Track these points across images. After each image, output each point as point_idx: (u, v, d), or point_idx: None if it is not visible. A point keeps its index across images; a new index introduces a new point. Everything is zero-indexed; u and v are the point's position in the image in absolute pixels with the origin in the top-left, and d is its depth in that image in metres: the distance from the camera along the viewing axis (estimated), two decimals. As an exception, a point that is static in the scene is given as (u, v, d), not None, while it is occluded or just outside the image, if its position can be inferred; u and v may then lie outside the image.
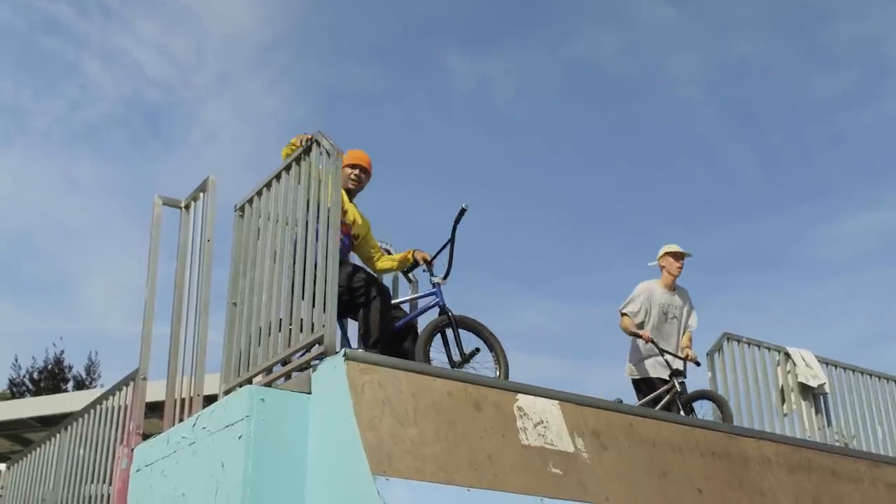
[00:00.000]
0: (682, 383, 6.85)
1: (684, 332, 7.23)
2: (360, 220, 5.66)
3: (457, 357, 5.24)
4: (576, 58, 33.94)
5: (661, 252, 7.27)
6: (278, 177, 4.81)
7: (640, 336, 6.93)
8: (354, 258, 5.75)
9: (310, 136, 4.69)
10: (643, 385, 7.04)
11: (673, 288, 7.24)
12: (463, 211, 5.39)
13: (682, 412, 6.59)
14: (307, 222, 4.51)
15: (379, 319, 5.13)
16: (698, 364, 7.02)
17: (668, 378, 6.88)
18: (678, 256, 7.21)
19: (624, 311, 7.10)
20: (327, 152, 4.51)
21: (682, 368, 6.91)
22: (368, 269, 5.60)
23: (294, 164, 4.74)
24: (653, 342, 6.88)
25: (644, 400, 6.86)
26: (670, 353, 6.95)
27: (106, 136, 39.41)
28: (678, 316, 7.20)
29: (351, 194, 5.61)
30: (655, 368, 7.00)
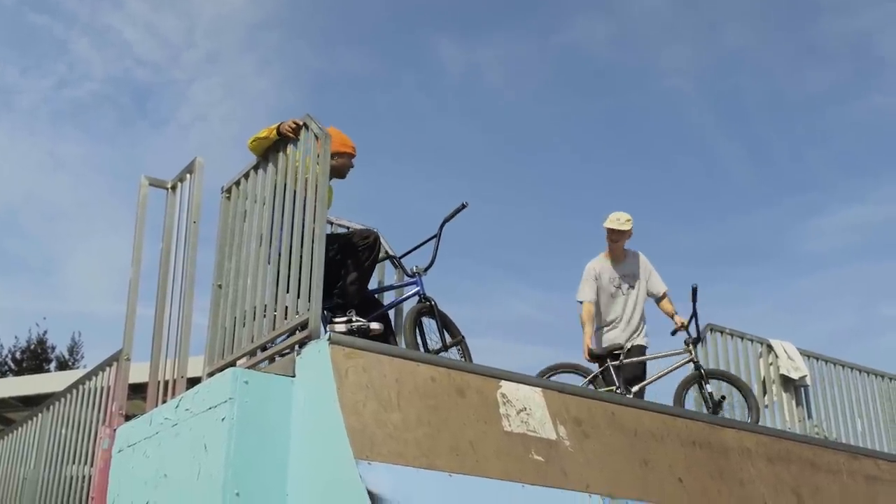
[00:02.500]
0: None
1: (661, 300, 7.03)
2: (331, 203, 5.68)
3: (436, 345, 5.30)
4: (567, 47, 33.87)
5: (603, 224, 7.05)
6: (266, 159, 4.79)
7: (585, 342, 6.78)
8: None
9: (298, 122, 4.65)
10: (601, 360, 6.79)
11: (622, 257, 7.06)
12: (461, 208, 5.51)
13: (705, 385, 6.45)
14: (294, 206, 4.50)
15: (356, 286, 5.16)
16: (687, 328, 6.78)
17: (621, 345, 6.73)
18: (608, 232, 7.00)
19: (580, 299, 6.94)
20: (315, 136, 4.50)
21: (697, 335, 6.67)
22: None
23: (282, 147, 4.73)
24: (597, 358, 6.68)
25: (661, 373, 6.64)
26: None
27: (93, 116, 39.07)
28: (633, 284, 7.01)
29: (338, 178, 5.60)
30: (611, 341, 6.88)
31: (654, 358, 6.77)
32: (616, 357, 6.60)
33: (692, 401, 6.45)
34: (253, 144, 4.86)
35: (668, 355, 6.70)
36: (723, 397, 6.48)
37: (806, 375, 7.63)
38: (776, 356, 7.65)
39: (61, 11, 37.00)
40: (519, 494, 3.94)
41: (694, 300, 6.55)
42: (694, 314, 6.62)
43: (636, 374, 6.63)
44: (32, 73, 38.06)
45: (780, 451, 5.58)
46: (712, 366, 7.04)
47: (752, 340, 7.60)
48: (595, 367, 6.67)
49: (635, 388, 6.45)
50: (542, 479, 4.09)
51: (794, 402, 7.62)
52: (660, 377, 6.62)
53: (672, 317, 6.93)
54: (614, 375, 6.49)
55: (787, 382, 7.61)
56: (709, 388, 6.45)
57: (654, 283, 7.08)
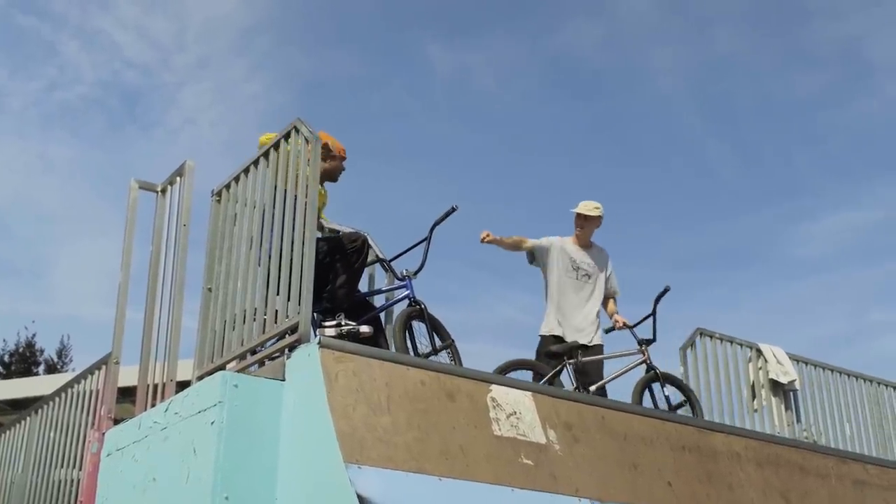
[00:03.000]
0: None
1: (609, 298, 6.92)
2: (325, 205, 5.70)
3: (425, 348, 5.31)
4: (557, 49, 33.94)
5: (574, 210, 6.94)
6: (256, 163, 4.79)
7: (500, 241, 6.59)
8: None
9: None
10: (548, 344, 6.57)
11: (588, 246, 6.92)
12: (451, 211, 5.54)
13: (662, 388, 6.34)
14: (283, 209, 4.50)
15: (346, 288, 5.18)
16: (631, 328, 6.66)
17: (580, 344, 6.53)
18: (577, 218, 6.89)
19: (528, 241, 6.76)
20: (306, 139, 4.49)
21: (653, 336, 6.57)
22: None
23: (272, 150, 4.72)
24: (555, 356, 6.41)
25: (617, 373, 6.48)
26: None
27: (83, 119, 38.97)
28: (595, 276, 6.83)
29: (329, 181, 5.62)
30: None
31: (609, 357, 6.66)
32: (573, 356, 6.39)
33: (648, 403, 6.37)
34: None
35: (622, 355, 6.60)
36: (682, 402, 6.40)
37: (795, 380, 7.65)
38: (765, 360, 7.66)
39: (50, 13, 36.90)
40: (508, 498, 3.94)
41: (658, 301, 6.53)
42: (653, 315, 6.56)
43: (594, 373, 6.48)
44: (21, 75, 37.95)
45: (769, 455, 5.60)
46: (701, 371, 7.06)
47: (741, 345, 7.62)
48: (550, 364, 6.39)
49: (593, 388, 6.29)
50: (532, 483, 4.09)
51: (783, 407, 7.63)
52: (616, 377, 6.50)
53: (612, 315, 6.84)
54: (571, 375, 6.29)
55: (776, 387, 7.62)
56: (666, 391, 6.38)
57: (612, 281, 6.98)
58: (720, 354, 7.35)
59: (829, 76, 32.30)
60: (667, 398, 6.33)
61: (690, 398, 6.50)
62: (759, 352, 7.71)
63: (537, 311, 6.90)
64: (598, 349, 6.72)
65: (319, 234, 5.63)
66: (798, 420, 7.70)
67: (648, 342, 6.57)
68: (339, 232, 5.84)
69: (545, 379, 6.13)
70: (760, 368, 7.66)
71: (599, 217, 6.89)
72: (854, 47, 31.36)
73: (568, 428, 4.53)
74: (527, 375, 6.19)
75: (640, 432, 4.88)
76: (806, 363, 7.98)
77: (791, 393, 7.74)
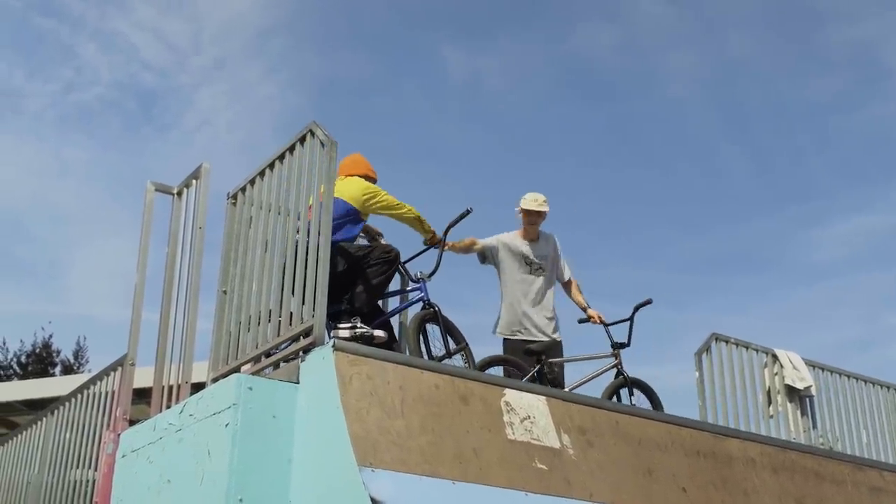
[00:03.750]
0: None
1: (570, 289, 6.83)
2: (353, 192, 5.56)
3: (439, 351, 5.30)
4: (570, 53, 33.92)
5: (519, 204, 6.77)
6: (272, 166, 4.81)
7: (456, 246, 6.41)
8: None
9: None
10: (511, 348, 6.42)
11: (536, 238, 6.77)
12: (465, 214, 5.55)
13: (631, 395, 6.29)
14: (299, 213, 4.51)
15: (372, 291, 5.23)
16: (607, 325, 6.60)
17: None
18: (525, 213, 6.72)
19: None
20: (321, 143, 4.50)
21: (628, 341, 6.51)
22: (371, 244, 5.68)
23: (288, 153, 4.74)
24: (534, 354, 6.28)
25: (590, 376, 6.37)
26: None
27: (99, 120, 39.23)
28: (546, 266, 6.72)
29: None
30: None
31: (580, 360, 6.59)
32: (550, 354, 6.33)
33: None
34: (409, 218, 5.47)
35: (595, 358, 6.56)
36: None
37: (811, 386, 7.60)
38: (781, 366, 7.62)
39: (68, 15, 37.17)
40: (522, 503, 3.93)
41: (637, 309, 6.51)
42: (631, 321, 6.53)
43: (559, 372, 6.39)
44: (39, 77, 38.24)
45: (785, 461, 5.56)
46: (717, 376, 7.03)
47: (756, 350, 7.58)
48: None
49: (566, 390, 6.15)
50: (546, 487, 4.08)
51: (798, 413, 7.58)
52: (588, 380, 6.42)
53: (584, 309, 6.77)
54: (538, 376, 6.16)
55: (791, 392, 7.58)
56: (634, 398, 6.34)
57: (562, 268, 6.87)
58: (735, 360, 7.31)
59: (843, 80, 32.16)
60: (633, 406, 6.23)
61: (657, 407, 6.43)
62: (775, 357, 7.66)
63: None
64: (560, 346, 6.63)
65: (364, 241, 5.71)
66: (814, 426, 7.65)
67: (622, 346, 6.53)
68: (370, 243, 5.85)
69: (527, 377, 6.01)
70: (776, 374, 7.61)
71: (547, 211, 6.75)
72: (868, 51, 31.22)
73: (582, 432, 4.51)
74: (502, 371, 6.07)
75: (654, 437, 4.86)
76: (822, 369, 7.93)
77: (807, 399, 7.69)
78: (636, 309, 6.54)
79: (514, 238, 6.77)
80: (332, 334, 5.01)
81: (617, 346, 6.53)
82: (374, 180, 5.68)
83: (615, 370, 6.47)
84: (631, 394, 6.39)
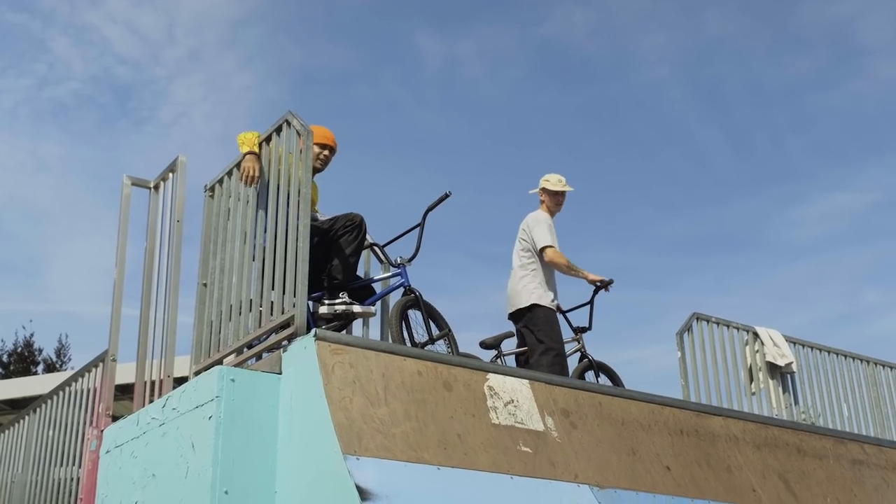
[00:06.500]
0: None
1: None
2: (317, 199, 5.67)
3: (421, 338, 5.29)
4: (547, 38, 33.93)
5: (540, 184, 6.62)
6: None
7: (587, 278, 6.38)
8: None
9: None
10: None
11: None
12: (444, 197, 5.49)
13: (597, 377, 6.32)
14: (277, 203, 4.49)
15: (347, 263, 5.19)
16: (564, 312, 6.49)
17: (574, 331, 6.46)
18: (557, 195, 6.56)
19: (549, 244, 6.29)
20: (297, 132, 4.49)
21: (589, 325, 6.54)
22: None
23: (265, 143, 4.72)
24: (604, 284, 6.38)
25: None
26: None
27: (74, 115, 38.87)
28: None
29: (315, 173, 5.60)
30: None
31: None
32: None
33: None
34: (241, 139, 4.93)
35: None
36: None
37: (792, 362, 7.68)
38: (762, 343, 7.69)
39: (39, 10, 36.75)
40: (507, 486, 3.95)
41: (597, 292, 6.47)
42: (591, 304, 6.54)
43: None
44: (11, 72, 37.79)
45: (767, 437, 5.61)
46: (699, 355, 7.08)
47: (737, 328, 7.64)
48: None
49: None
50: (531, 470, 4.10)
51: (780, 389, 7.66)
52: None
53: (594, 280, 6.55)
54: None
55: (773, 369, 7.65)
56: (599, 380, 6.36)
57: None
58: (717, 338, 7.37)
59: (820, 59, 32.36)
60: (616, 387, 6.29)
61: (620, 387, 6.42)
62: (756, 335, 7.73)
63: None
64: None
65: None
66: (796, 402, 7.73)
67: (583, 330, 6.54)
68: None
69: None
70: (757, 351, 7.68)
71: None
72: (845, 29, 31.41)
73: (565, 414, 4.54)
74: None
75: (637, 417, 4.90)
76: (803, 345, 8.01)
77: (788, 375, 7.77)
78: (595, 292, 6.51)
79: (552, 221, 6.53)
80: (312, 310, 5.00)
81: (578, 331, 6.53)
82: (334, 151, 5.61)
83: (579, 353, 6.47)
84: (597, 376, 6.42)
